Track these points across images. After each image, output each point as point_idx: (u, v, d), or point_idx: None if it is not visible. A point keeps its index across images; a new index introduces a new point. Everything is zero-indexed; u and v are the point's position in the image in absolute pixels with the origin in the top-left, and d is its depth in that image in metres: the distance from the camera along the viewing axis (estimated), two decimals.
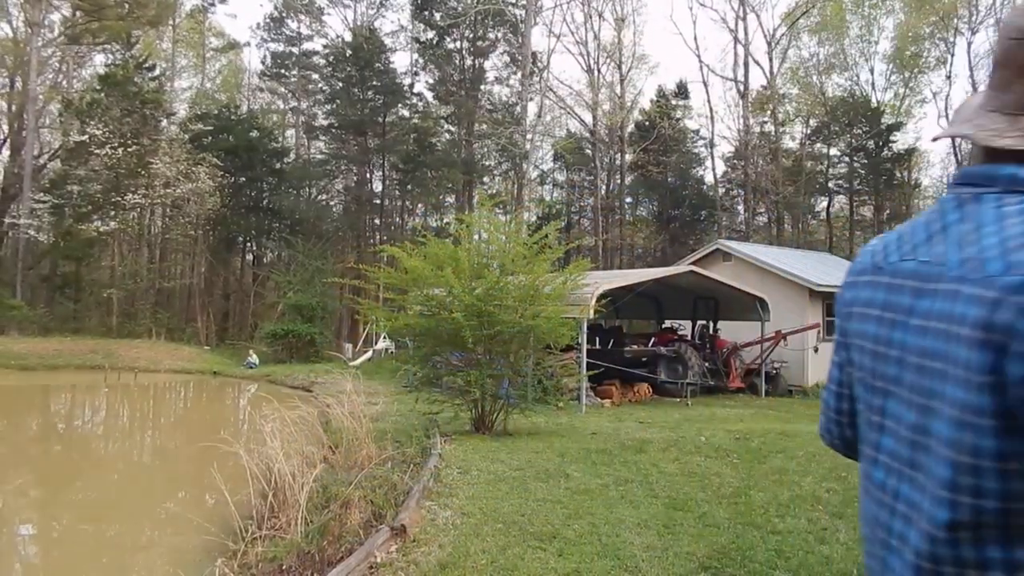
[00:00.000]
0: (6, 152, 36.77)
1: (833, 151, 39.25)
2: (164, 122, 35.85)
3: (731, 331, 18.69)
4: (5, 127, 37.68)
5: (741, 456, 8.37)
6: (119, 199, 31.54)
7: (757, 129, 39.34)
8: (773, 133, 38.51)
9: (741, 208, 41.02)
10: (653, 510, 6.08)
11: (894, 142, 35.45)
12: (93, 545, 7.38)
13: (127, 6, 34.52)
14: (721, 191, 41.55)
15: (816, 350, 18.65)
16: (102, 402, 19.74)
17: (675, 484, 6.98)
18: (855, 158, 37.26)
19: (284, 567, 5.34)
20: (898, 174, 36.15)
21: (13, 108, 36.61)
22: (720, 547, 5.12)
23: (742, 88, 35.98)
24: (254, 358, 26.66)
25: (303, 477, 6.41)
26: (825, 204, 39.96)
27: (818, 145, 39.97)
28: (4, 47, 36.30)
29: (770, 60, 37.21)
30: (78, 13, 34.87)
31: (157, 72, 37.55)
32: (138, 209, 33.83)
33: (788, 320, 17.89)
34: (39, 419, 17.01)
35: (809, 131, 40.24)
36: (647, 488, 6.82)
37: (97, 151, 30.55)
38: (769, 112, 38.07)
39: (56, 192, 31.66)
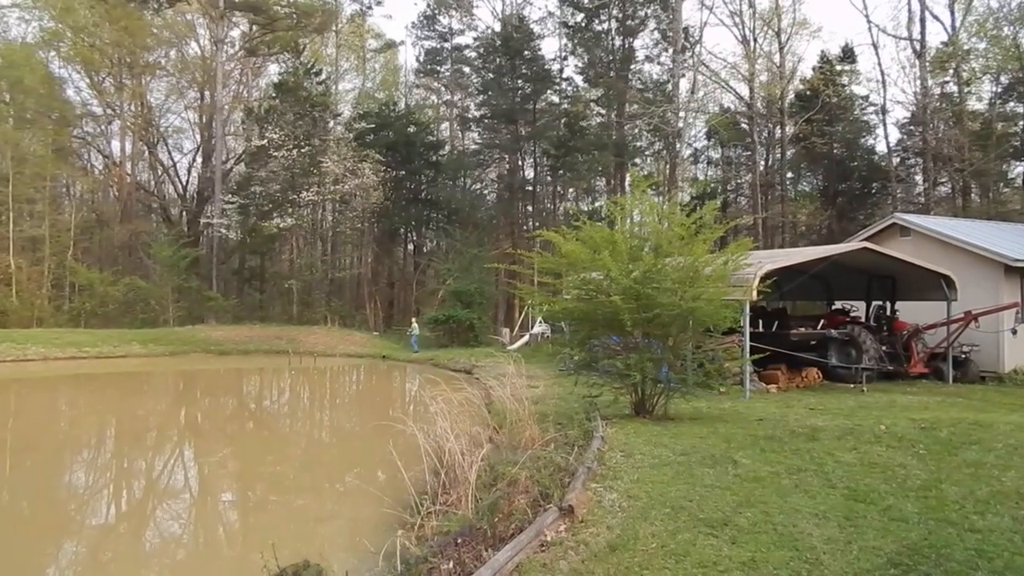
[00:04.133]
0: (199, 159, 40.93)
1: None
2: (331, 123, 38.37)
3: (911, 312, 17.22)
4: (198, 136, 42.01)
5: (928, 447, 7.72)
6: (295, 197, 34.31)
7: (937, 91, 35.68)
8: (956, 94, 34.76)
9: (919, 178, 37.45)
10: (831, 501, 5.77)
11: None
12: (283, 514, 8.11)
13: (296, 17, 37.22)
14: (896, 161, 38.16)
15: (1015, 332, 16.75)
16: (287, 384, 21.57)
17: (854, 475, 6.57)
18: None
19: (458, 541, 5.58)
20: None
21: (203, 119, 40.67)
22: (910, 543, 4.77)
23: (918, 47, 32.69)
24: (415, 327, 28.16)
25: (471, 456, 6.67)
26: (1021, 170, 35.70)
27: (1011, 104, 35.62)
28: (195, 64, 40.44)
29: (952, 13, 33.52)
30: (254, 27, 38.07)
31: (323, 76, 40.20)
32: (311, 205, 36.56)
33: (979, 299, 16.21)
34: (235, 400, 18.89)
35: (1000, 89, 35.93)
36: (823, 478, 6.48)
37: (275, 153, 33.34)
38: (951, 71, 34.37)
39: (242, 193, 34.92)
